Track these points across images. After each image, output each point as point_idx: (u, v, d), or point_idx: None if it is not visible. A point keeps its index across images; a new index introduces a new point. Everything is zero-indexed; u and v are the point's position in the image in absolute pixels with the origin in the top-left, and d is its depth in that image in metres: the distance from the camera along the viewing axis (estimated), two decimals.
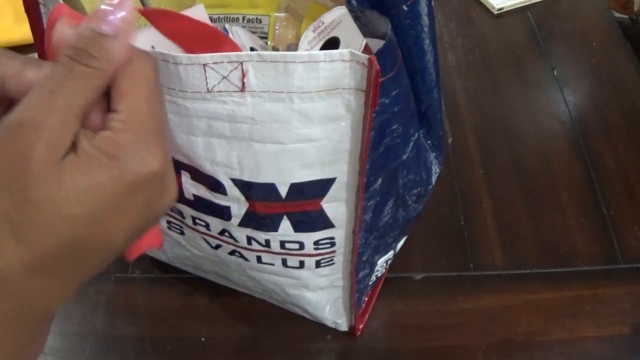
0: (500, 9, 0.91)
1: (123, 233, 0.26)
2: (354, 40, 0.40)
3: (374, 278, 0.54)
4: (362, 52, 0.35)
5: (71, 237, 0.25)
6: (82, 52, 0.26)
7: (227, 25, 0.47)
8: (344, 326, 0.56)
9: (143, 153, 0.26)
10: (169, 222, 0.51)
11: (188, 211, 0.46)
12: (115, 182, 0.25)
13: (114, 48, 0.26)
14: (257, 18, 0.52)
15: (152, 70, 0.28)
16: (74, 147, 0.25)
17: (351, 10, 0.40)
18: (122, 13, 0.27)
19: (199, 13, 0.45)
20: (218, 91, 0.36)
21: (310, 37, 0.43)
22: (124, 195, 0.26)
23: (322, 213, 0.44)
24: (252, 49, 0.47)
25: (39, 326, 0.28)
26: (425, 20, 0.43)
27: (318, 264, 0.49)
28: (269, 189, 0.41)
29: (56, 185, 0.24)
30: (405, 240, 0.57)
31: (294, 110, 0.36)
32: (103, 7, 0.27)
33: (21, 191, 0.24)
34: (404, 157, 0.44)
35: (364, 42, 0.39)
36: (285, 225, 0.44)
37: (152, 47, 0.35)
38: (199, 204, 0.45)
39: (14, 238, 0.24)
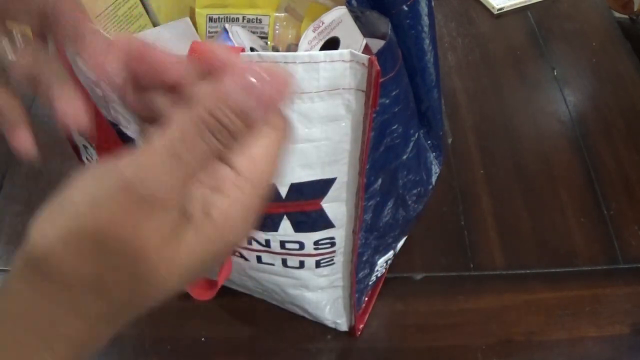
0: (500, 9, 0.91)
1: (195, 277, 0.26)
2: (354, 41, 0.40)
3: (374, 278, 0.54)
4: (362, 52, 0.35)
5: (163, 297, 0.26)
6: (225, 133, 0.24)
7: (227, 25, 0.47)
8: (344, 326, 0.56)
9: (248, 229, 0.26)
10: None
11: None
12: (218, 253, 0.25)
13: (253, 119, 0.24)
14: (257, 18, 0.52)
15: (284, 140, 0.26)
16: (187, 213, 0.24)
17: (351, 10, 0.40)
18: (275, 92, 0.24)
19: (183, 27, 0.45)
20: None
21: (310, 37, 0.43)
22: (216, 259, 0.26)
23: (322, 213, 0.44)
24: (252, 49, 0.47)
25: None
26: (425, 20, 0.43)
27: (318, 264, 0.49)
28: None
29: (166, 264, 0.24)
30: (405, 240, 0.57)
31: (294, 110, 0.36)
32: (253, 79, 0.24)
33: (127, 263, 0.23)
34: (404, 157, 0.44)
35: (364, 42, 0.39)
36: (285, 225, 0.44)
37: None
38: None
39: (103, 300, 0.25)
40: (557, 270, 0.62)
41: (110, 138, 0.45)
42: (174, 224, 0.24)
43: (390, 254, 0.54)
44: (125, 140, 0.44)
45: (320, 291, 0.52)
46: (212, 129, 0.23)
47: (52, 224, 0.24)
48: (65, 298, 0.24)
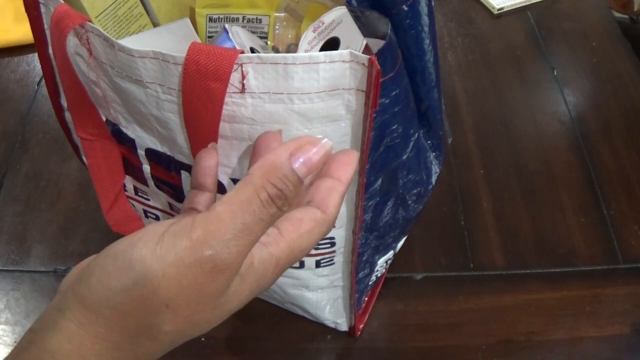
0: (500, 9, 0.91)
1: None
2: (354, 41, 0.40)
3: (374, 278, 0.54)
4: (362, 53, 0.35)
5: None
6: (283, 197, 0.27)
7: (227, 25, 0.47)
8: (344, 326, 0.56)
9: (275, 280, 0.29)
10: None
11: None
12: (249, 298, 0.29)
13: (300, 187, 0.28)
14: (257, 18, 0.52)
15: (326, 227, 0.30)
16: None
17: (351, 10, 0.40)
18: (319, 157, 0.29)
19: (184, 27, 0.45)
20: None
21: (310, 38, 0.43)
22: (248, 300, 0.29)
23: None
24: (252, 49, 0.47)
25: None
26: (425, 20, 0.43)
27: (318, 264, 0.49)
28: None
29: (217, 311, 0.28)
30: (405, 240, 0.57)
31: (294, 111, 0.36)
32: (299, 152, 0.28)
33: (173, 308, 0.26)
34: (404, 157, 0.44)
35: (364, 42, 0.39)
36: None
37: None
38: None
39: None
40: (557, 270, 0.62)
41: (102, 134, 0.45)
42: (230, 283, 0.27)
43: (390, 254, 0.54)
44: (122, 139, 0.44)
45: (320, 291, 0.52)
46: (272, 196, 0.27)
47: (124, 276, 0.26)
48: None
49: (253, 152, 0.34)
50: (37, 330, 0.26)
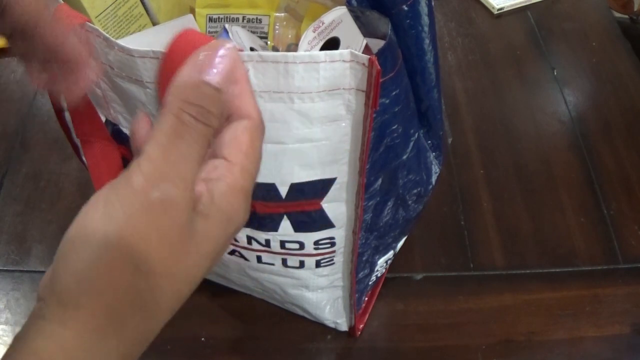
0: (500, 9, 0.91)
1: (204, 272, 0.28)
2: (354, 41, 0.40)
3: (374, 278, 0.54)
4: (362, 52, 0.35)
5: (175, 299, 0.26)
6: (201, 109, 0.25)
7: (227, 25, 0.47)
8: (344, 326, 0.56)
9: (247, 209, 0.27)
10: None
11: None
12: (226, 238, 0.27)
13: (223, 99, 0.26)
14: (257, 18, 0.52)
15: (260, 126, 0.29)
16: (195, 208, 0.26)
17: (351, 10, 0.40)
18: (226, 62, 0.26)
19: (186, 24, 0.45)
20: None
21: (310, 37, 0.43)
22: (227, 240, 0.27)
23: (322, 213, 0.44)
24: (252, 49, 0.47)
25: None
26: (425, 20, 0.43)
27: (318, 264, 0.49)
28: (269, 189, 0.41)
29: (195, 256, 0.25)
30: (405, 240, 0.57)
31: (294, 110, 0.36)
32: (203, 55, 0.26)
33: (147, 267, 0.24)
34: (404, 157, 0.44)
35: (364, 42, 0.39)
36: (285, 225, 0.44)
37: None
38: None
39: (139, 312, 0.25)
40: (557, 270, 0.62)
41: (102, 134, 0.45)
42: (183, 230, 0.25)
43: (390, 254, 0.54)
44: (122, 140, 0.44)
45: (320, 291, 0.52)
46: (194, 114, 0.25)
47: (77, 257, 0.24)
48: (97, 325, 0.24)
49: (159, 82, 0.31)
50: (22, 337, 0.25)
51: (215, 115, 0.26)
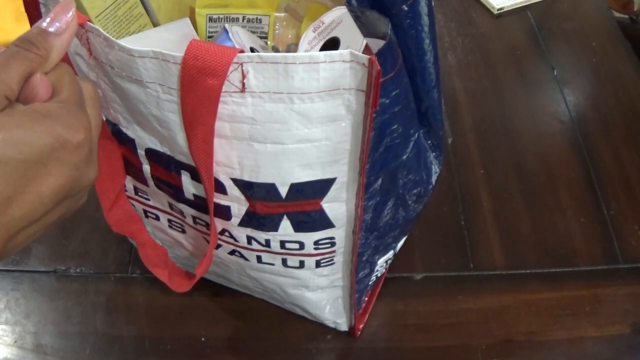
0: (500, 9, 0.91)
1: (50, 189, 0.30)
2: (354, 41, 0.40)
3: (374, 278, 0.54)
4: (362, 52, 0.35)
5: (4, 180, 0.28)
6: (26, 41, 0.31)
7: (227, 25, 0.47)
8: (344, 326, 0.56)
9: (71, 120, 0.30)
10: (170, 221, 0.51)
11: (189, 211, 0.46)
12: (45, 134, 0.29)
13: (55, 42, 0.32)
14: (257, 18, 0.52)
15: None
16: (10, 106, 0.30)
17: (351, 10, 0.40)
18: (65, 19, 0.33)
19: (184, 27, 0.46)
20: None
21: (310, 37, 0.43)
22: (53, 149, 0.29)
23: (322, 213, 0.44)
24: (252, 49, 0.47)
25: None
26: (425, 20, 0.43)
27: (318, 264, 0.49)
28: (269, 189, 0.41)
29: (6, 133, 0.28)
30: (405, 240, 0.57)
31: (294, 110, 0.36)
32: (50, 14, 0.33)
33: None
34: (404, 157, 0.44)
35: (364, 42, 0.39)
36: (286, 225, 0.44)
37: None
38: (199, 203, 0.45)
39: None
40: (557, 270, 0.62)
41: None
42: None
43: (390, 254, 0.54)
44: (122, 139, 0.44)
45: (320, 291, 0.52)
46: (22, 45, 0.31)
47: None
48: None
49: None
50: None
51: (38, 47, 0.31)
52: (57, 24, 0.33)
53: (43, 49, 0.32)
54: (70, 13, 0.33)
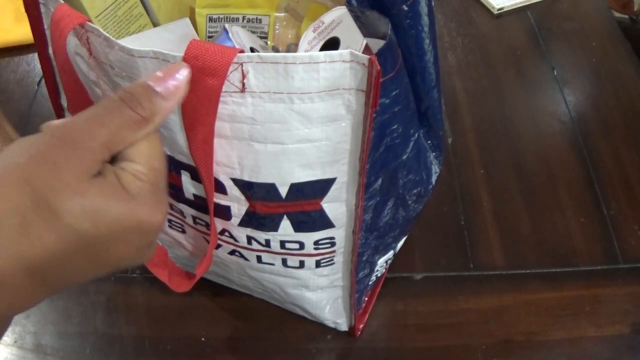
0: (500, 9, 0.91)
1: (112, 263, 0.29)
2: (354, 41, 0.40)
3: (374, 278, 0.54)
4: (362, 52, 0.35)
5: (73, 248, 0.27)
6: (133, 97, 0.29)
7: (227, 25, 0.47)
8: (344, 326, 0.56)
9: (156, 204, 0.29)
10: (170, 221, 0.51)
11: (188, 211, 0.46)
12: (127, 216, 0.28)
13: (161, 105, 0.30)
14: (257, 18, 0.52)
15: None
16: (101, 174, 0.28)
17: (351, 10, 0.40)
18: (175, 82, 0.31)
19: (184, 27, 0.46)
20: None
21: (310, 37, 0.43)
22: (130, 231, 0.28)
23: (322, 213, 0.44)
24: (252, 49, 0.47)
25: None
26: (425, 20, 0.43)
27: (318, 264, 0.49)
28: (269, 189, 0.41)
29: (79, 197, 0.26)
30: (405, 240, 0.57)
31: (294, 110, 0.36)
32: (159, 73, 0.31)
33: (45, 194, 0.26)
34: (404, 157, 0.44)
35: (364, 42, 0.39)
36: (286, 225, 0.44)
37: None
38: (199, 203, 0.45)
39: (22, 234, 0.26)
40: (557, 270, 0.62)
41: None
42: (89, 173, 0.27)
43: (390, 254, 0.54)
44: None
45: (320, 291, 0.52)
46: (127, 101, 0.29)
47: None
48: None
49: None
50: None
51: (144, 107, 0.29)
52: (167, 86, 0.30)
53: (149, 109, 0.29)
54: (183, 76, 0.31)
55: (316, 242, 0.46)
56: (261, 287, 0.54)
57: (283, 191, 0.41)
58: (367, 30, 0.39)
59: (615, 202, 0.68)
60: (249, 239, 0.46)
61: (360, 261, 0.48)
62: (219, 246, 0.49)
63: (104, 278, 0.60)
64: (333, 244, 0.47)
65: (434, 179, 0.53)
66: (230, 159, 0.40)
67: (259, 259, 0.48)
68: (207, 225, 0.47)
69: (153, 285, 0.59)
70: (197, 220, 0.47)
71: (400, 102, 0.39)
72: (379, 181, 0.43)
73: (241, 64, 0.34)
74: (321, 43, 0.42)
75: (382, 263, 0.54)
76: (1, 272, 0.25)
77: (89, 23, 0.36)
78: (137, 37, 0.44)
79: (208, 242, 0.49)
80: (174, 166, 0.42)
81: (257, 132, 0.38)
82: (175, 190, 0.45)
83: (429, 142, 0.53)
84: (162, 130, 0.39)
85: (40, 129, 0.28)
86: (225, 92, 0.36)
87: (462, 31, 0.88)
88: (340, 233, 0.46)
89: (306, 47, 0.43)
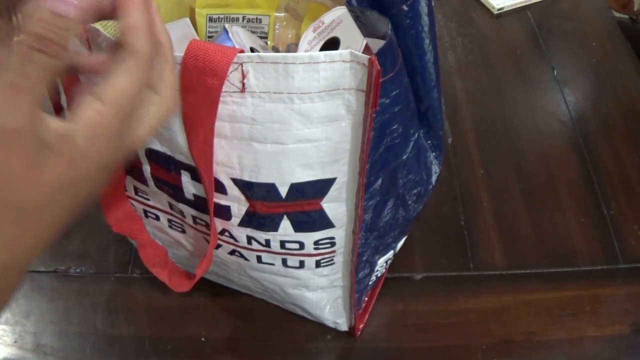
0: (500, 9, 0.91)
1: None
2: (354, 41, 0.40)
3: (374, 278, 0.54)
4: (362, 52, 0.35)
5: None
6: (53, 45, 0.23)
7: (227, 25, 0.47)
8: (344, 326, 0.56)
9: (112, 150, 0.27)
10: (170, 221, 0.51)
11: (189, 211, 0.46)
12: (85, 173, 0.27)
13: (75, 30, 0.24)
14: (257, 18, 0.52)
15: (145, 62, 0.28)
16: (45, 142, 0.25)
17: (351, 10, 0.40)
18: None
19: (184, 27, 0.46)
20: None
21: (310, 37, 0.43)
22: (86, 179, 0.27)
23: (322, 213, 0.44)
24: (252, 49, 0.47)
25: None
26: (425, 20, 0.43)
27: (318, 264, 0.49)
28: (269, 189, 0.41)
29: (36, 189, 0.25)
30: (405, 240, 0.57)
31: (294, 110, 0.36)
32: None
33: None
34: (404, 157, 0.44)
35: (364, 42, 0.39)
36: (286, 225, 0.44)
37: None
38: (199, 203, 0.45)
39: None
40: (557, 270, 0.62)
41: None
42: (35, 153, 0.24)
43: (390, 254, 0.54)
44: None
45: (320, 291, 0.52)
46: (39, 47, 0.23)
47: None
48: None
49: None
50: None
51: (63, 43, 0.24)
52: (71, 2, 0.23)
53: (64, 43, 0.24)
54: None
55: (316, 242, 0.46)
56: (261, 287, 0.54)
57: (283, 191, 0.41)
58: (367, 30, 0.39)
59: (615, 202, 0.68)
60: (249, 239, 0.46)
61: (360, 261, 0.48)
62: (219, 246, 0.49)
63: (104, 278, 0.60)
64: (333, 244, 0.47)
65: (434, 179, 0.53)
66: (230, 159, 0.40)
67: (259, 259, 0.48)
68: (207, 225, 0.47)
69: (153, 285, 0.59)
70: (197, 220, 0.47)
71: (400, 102, 0.39)
72: (379, 181, 0.43)
73: (241, 64, 0.34)
74: (321, 43, 0.42)
75: (382, 263, 0.54)
76: None
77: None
78: None
79: (208, 242, 0.49)
80: (174, 166, 0.42)
81: (257, 132, 0.38)
82: (175, 190, 0.45)
83: (429, 142, 0.53)
84: (162, 131, 0.39)
85: None
86: (225, 92, 0.36)
87: (462, 31, 0.88)
88: (340, 233, 0.46)
89: (306, 47, 0.43)
